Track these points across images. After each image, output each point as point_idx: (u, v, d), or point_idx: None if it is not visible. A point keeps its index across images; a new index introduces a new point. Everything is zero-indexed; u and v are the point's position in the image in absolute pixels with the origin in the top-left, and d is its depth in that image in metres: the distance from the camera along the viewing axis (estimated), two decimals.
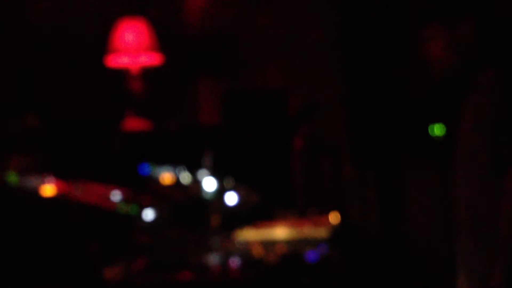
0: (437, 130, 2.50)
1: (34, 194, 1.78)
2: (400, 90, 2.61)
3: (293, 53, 3.57)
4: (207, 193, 2.19)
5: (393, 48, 2.02)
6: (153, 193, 2.18)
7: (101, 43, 4.64)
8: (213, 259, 1.95)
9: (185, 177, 2.33)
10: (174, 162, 2.43)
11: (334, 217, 2.35)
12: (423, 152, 2.47)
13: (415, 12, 1.95)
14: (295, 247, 2.05)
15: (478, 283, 1.54)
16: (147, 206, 1.89)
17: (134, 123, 4.30)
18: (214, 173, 2.44)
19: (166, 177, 2.27)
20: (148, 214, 1.83)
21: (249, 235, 2.18)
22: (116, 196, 1.87)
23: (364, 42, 2.73)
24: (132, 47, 4.44)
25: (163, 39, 4.75)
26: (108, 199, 1.85)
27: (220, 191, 2.27)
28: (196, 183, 2.29)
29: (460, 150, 1.62)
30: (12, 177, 1.86)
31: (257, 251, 1.97)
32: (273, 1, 3.82)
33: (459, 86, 1.70)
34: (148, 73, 4.61)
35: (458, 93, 1.71)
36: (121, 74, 4.64)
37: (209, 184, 2.31)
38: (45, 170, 2.01)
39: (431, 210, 2.52)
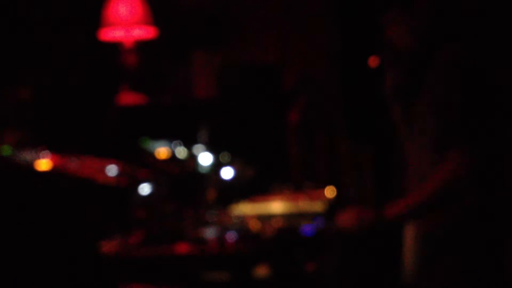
0: None
1: (29, 168, 1.75)
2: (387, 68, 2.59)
3: (288, 26, 3.52)
4: (203, 167, 2.16)
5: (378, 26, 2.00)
6: (149, 167, 2.15)
7: (95, 17, 4.57)
8: (210, 233, 1.93)
9: (181, 152, 2.30)
10: (169, 136, 2.40)
11: (329, 191, 2.33)
12: None
13: None
14: (290, 221, 2.04)
15: None
16: (143, 180, 1.86)
17: (128, 97, 4.25)
18: (209, 148, 2.41)
19: (161, 151, 2.24)
20: (144, 188, 1.80)
21: (245, 209, 2.16)
22: (111, 170, 1.84)
23: (360, 14, 2.69)
24: (125, 20, 4.38)
25: (157, 12, 4.68)
26: (103, 172, 1.82)
27: (216, 166, 2.24)
28: (192, 158, 2.26)
29: (415, 124, 1.67)
30: (7, 152, 1.82)
31: (253, 225, 1.95)
32: None
33: (423, 66, 1.70)
34: (142, 47, 4.55)
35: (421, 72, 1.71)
36: (115, 48, 4.57)
37: (204, 158, 2.28)
38: (39, 144, 1.97)
39: None
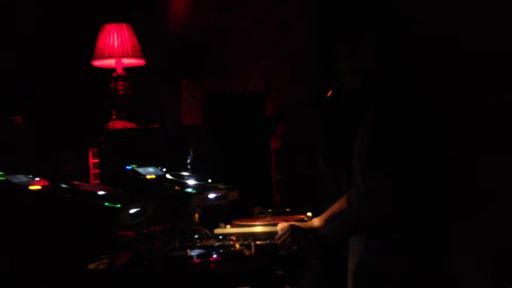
0: None
1: (20, 190, 1.77)
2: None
3: (270, 57, 3.59)
4: (189, 190, 2.20)
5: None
6: (136, 190, 2.18)
7: (88, 46, 4.63)
8: (194, 254, 1.96)
9: (168, 175, 2.33)
10: (156, 160, 2.44)
11: (309, 215, 2.37)
12: None
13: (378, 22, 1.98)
14: (271, 242, 2.07)
15: None
16: (130, 202, 1.89)
17: (118, 123, 4.29)
18: (195, 172, 2.45)
19: (149, 174, 2.28)
20: (132, 210, 1.84)
21: (228, 231, 2.20)
22: (101, 192, 1.87)
23: (332, 52, 2.79)
24: (116, 50, 4.44)
25: (147, 43, 4.75)
26: (93, 196, 1.85)
27: (201, 189, 2.28)
28: (178, 181, 2.30)
29: (355, 149, 1.77)
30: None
31: (236, 246, 1.98)
32: (252, 7, 3.84)
33: (365, 98, 1.78)
34: (131, 75, 4.60)
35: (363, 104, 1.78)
36: (106, 76, 4.63)
37: (190, 182, 2.32)
38: (31, 170, 2.00)
39: None
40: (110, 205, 1.74)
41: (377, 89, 1.73)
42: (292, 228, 1.91)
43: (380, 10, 1.78)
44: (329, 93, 1.91)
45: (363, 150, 1.68)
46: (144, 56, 4.62)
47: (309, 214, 2.37)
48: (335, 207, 1.80)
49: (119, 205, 1.73)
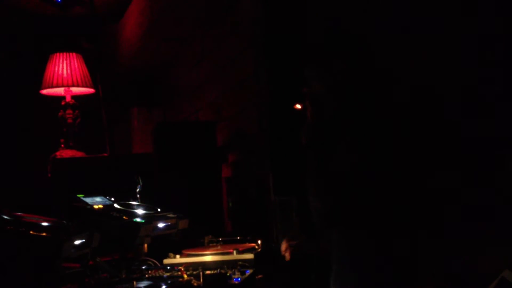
0: None
1: None
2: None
3: (220, 87, 3.58)
4: (137, 220, 2.13)
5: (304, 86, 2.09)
6: (83, 220, 2.10)
7: (37, 76, 4.51)
8: (143, 285, 1.89)
9: (116, 205, 2.26)
10: (105, 189, 2.36)
11: (259, 243, 2.33)
12: None
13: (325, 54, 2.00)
14: (221, 271, 2.02)
15: None
16: (76, 232, 1.82)
17: (66, 152, 4.18)
18: (144, 201, 2.38)
19: (96, 204, 2.20)
20: (77, 241, 1.76)
21: (177, 260, 2.13)
22: (44, 224, 1.79)
23: (282, 80, 2.83)
24: (65, 79, 4.35)
25: (97, 72, 4.67)
26: (36, 227, 1.76)
27: (150, 218, 2.22)
28: (126, 210, 2.23)
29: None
30: None
31: (184, 277, 1.92)
32: (202, 38, 3.84)
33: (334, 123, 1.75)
34: (81, 104, 4.51)
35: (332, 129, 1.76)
36: (54, 106, 4.51)
37: (139, 211, 2.25)
38: None
39: None
40: (53, 236, 1.66)
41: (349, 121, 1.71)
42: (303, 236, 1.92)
43: (351, 43, 1.78)
44: (297, 106, 1.89)
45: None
46: (94, 85, 4.54)
47: (259, 242, 2.34)
48: None
49: (63, 236, 1.66)
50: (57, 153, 4.17)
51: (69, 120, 4.33)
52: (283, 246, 1.94)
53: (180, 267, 1.99)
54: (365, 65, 1.78)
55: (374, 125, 1.71)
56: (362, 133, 1.69)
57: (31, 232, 1.69)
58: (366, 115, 1.73)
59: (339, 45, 1.78)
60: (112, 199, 2.29)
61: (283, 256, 1.94)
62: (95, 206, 2.16)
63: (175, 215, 2.35)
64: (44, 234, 1.67)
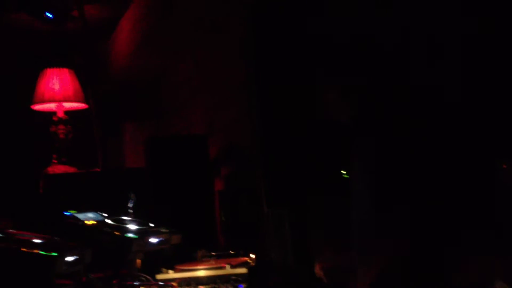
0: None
1: None
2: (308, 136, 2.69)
3: (213, 99, 3.58)
4: (129, 235, 2.12)
5: (297, 100, 2.09)
6: (75, 236, 2.08)
7: (29, 91, 4.50)
8: None
9: (108, 220, 2.25)
10: (97, 204, 2.35)
11: (253, 257, 2.32)
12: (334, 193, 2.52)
13: (316, 68, 2.01)
14: (215, 285, 2.01)
15: None
16: (68, 249, 1.80)
17: (58, 168, 4.15)
18: (137, 215, 2.37)
19: (88, 219, 2.18)
20: (69, 257, 1.74)
21: (170, 276, 2.12)
22: (36, 240, 1.77)
23: (276, 93, 2.83)
24: (57, 94, 4.34)
25: (89, 86, 4.66)
26: (28, 244, 1.75)
27: (143, 233, 2.20)
28: (119, 226, 2.22)
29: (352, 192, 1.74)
30: None
31: None
32: (195, 51, 3.85)
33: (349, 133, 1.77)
34: (73, 119, 4.50)
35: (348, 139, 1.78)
36: (46, 120, 4.50)
37: (131, 226, 2.24)
38: None
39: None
40: (45, 253, 1.65)
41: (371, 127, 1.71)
42: None
43: (374, 55, 1.79)
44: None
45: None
46: (86, 99, 4.53)
47: (252, 256, 2.33)
48: None
49: (55, 253, 1.64)
50: (49, 169, 4.15)
51: (61, 136, 4.32)
52: (317, 268, 1.91)
53: (173, 283, 1.98)
54: (386, 77, 1.79)
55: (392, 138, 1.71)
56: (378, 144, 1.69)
57: (23, 249, 1.67)
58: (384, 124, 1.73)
59: (359, 56, 1.79)
60: (105, 214, 2.27)
61: (320, 279, 1.90)
62: (87, 222, 2.14)
63: (168, 230, 2.34)
64: (36, 251, 1.65)
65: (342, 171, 2.27)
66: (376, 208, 1.67)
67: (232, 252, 2.44)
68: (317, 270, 1.90)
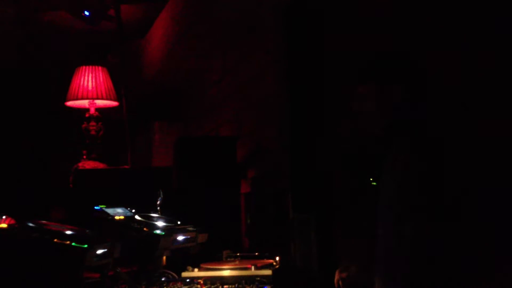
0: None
1: None
2: (333, 141, 2.69)
3: (242, 103, 3.60)
4: (157, 232, 2.14)
5: (325, 105, 2.09)
6: (105, 231, 2.11)
7: (62, 87, 4.58)
8: None
9: (137, 216, 2.27)
10: (126, 201, 2.37)
11: (278, 259, 2.32)
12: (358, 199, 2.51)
13: (345, 74, 2.01)
14: (239, 285, 2.02)
15: None
16: (97, 243, 1.82)
17: (88, 163, 4.21)
18: (164, 213, 2.39)
19: (118, 214, 2.21)
20: (99, 250, 1.77)
21: (196, 274, 2.13)
22: (68, 232, 1.80)
23: (302, 98, 2.85)
24: (90, 92, 4.40)
25: (121, 85, 4.72)
26: (60, 235, 1.78)
27: (170, 231, 2.22)
28: (147, 222, 2.24)
29: (380, 199, 1.74)
30: None
31: None
32: (224, 55, 3.87)
33: (382, 141, 1.79)
34: (104, 117, 4.55)
35: (380, 147, 1.79)
36: (79, 117, 4.56)
37: (159, 223, 2.26)
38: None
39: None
40: (76, 245, 1.67)
41: (405, 137, 1.73)
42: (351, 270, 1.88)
43: (410, 64, 1.82)
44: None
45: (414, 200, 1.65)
46: (118, 98, 4.59)
47: (277, 258, 2.33)
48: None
49: (85, 245, 1.67)
50: (80, 164, 4.21)
51: (92, 132, 4.37)
52: (336, 277, 1.91)
53: (199, 281, 1.99)
54: (421, 87, 1.81)
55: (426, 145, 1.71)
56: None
57: (55, 240, 1.70)
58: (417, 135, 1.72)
59: (396, 67, 1.80)
60: (133, 210, 2.30)
61: None
62: (116, 217, 2.17)
63: (195, 229, 2.35)
64: (67, 242, 1.68)
65: (370, 179, 2.26)
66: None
67: (257, 254, 2.44)
68: (336, 277, 1.90)
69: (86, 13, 3.95)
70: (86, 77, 4.48)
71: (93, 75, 4.48)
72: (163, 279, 2.10)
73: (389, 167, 1.73)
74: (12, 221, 1.78)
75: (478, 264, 1.70)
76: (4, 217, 1.78)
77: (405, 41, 2.25)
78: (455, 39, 2.12)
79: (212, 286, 1.97)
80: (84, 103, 4.50)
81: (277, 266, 2.22)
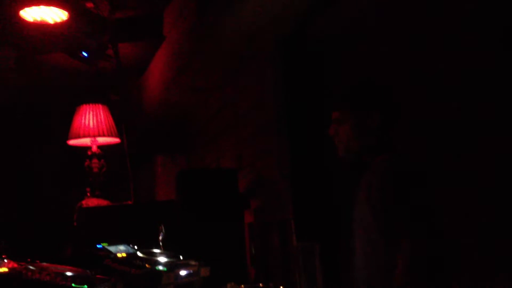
0: None
1: None
2: (334, 168, 2.70)
3: (241, 134, 3.59)
4: (159, 268, 2.11)
5: (324, 133, 2.14)
6: (107, 268, 2.08)
7: (64, 125, 4.59)
8: None
9: (139, 253, 2.25)
10: (128, 236, 2.35)
11: None
12: None
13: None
14: None
15: None
16: (100, 281, 1.80)
17: (92, 201, 4.20)
18: (167, 247, 2.36)
19: (120, 252, 2.19)
20: None
21: None
22: (68, 273, 1.78)
23: (301, 127, 2.86)
24: (92, 130, 4.42)
25: (122, 121, 4.73)
26: (61, 277, 1.76)
27: (172, 266, 2.19)
28: (149, 258, 2.21)
29: (355, 217, 1.80)
30: None
31: None
32: (223, 88, 3.88)
33: (358, 164, 1.86)
34: (106, 153, 4.55)
35: (356, 169, 1.85)
36: (80, 154, 4.57)
37: (161, 259, 2.23)
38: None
39: None
40: (77, 286, 1.65)
41: (378, 162, 1.77)
42: None
43: (385, 91, 1.90)
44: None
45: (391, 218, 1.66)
46: (119, 134, 4.60)
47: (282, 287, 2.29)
48: None
49: (85, 286, 1.65)
50: (83, 202, 4.19)
51: (95, 170, 4.37)
52: None
53: None
54: (396, 115, 1.88)
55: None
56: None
57: (55, 282, 1.68)
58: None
59: (371, 93, 1.86)
60: (135, 247, 2.28)
61: None
62: (119, 255, 2.14)
63: (197, 263, 2.32)
64: (68, 284, 1.66)
65: None
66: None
67: (261, 285, 2.41)
68: None
69: (84, 54, 4.00)
70: (87, 116, 4.50)
71: (94, 113, 4.50)
72: None
73: (363, 188, 1.76)
74: (15, 265, 1.76)
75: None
76: (5, 260, 1.76)
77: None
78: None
79: None
80: (86, 141, 4.51)
81: None
